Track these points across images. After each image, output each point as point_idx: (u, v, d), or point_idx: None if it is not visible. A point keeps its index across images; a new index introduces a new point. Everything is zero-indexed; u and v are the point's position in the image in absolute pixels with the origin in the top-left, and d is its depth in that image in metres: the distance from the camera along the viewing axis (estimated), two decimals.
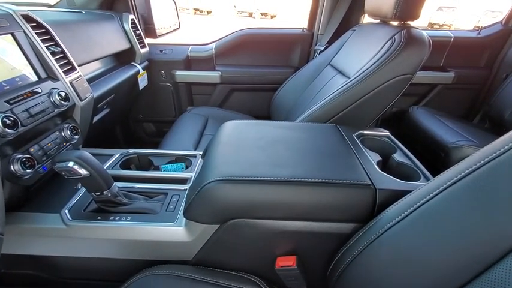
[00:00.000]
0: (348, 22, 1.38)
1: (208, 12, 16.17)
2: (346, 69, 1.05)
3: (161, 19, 1.62)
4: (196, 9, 15.94)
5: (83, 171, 0.58)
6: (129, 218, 0.61)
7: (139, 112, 1.65)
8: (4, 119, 0.56)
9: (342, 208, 0.56)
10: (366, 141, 0.77)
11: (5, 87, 0.61)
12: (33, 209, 0.63)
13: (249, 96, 1.61)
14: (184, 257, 0.62)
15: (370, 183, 0.56)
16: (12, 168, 0.59)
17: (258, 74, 1.53)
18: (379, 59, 0.87)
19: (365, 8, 1.06)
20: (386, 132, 0.81)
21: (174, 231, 0.59)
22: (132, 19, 1.35)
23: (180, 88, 1.59)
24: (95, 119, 1.06)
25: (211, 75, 1.53)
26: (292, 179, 0.55)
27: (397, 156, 0.71)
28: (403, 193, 0.49)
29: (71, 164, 0.57)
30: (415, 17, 0.92)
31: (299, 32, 1.53)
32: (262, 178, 0.55)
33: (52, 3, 1.28)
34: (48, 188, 0.70)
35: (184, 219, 0.60)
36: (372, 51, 0.94)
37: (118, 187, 0.67)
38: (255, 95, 1.60)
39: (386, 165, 0.73)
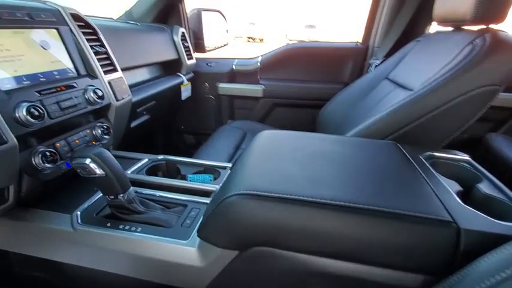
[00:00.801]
0: (410, 33, 1.22)
1: (261, 40, 16.94)
2: (409, 82, 0.89)
3: (211, 35, 1.65)
4: (249, 37, 16.86)
5: (98, 171, 0.53)
6: (139, 229, 0.53)
7: (180, 123, 1.65)
8: (31, 109, 0.54)
9: (406, 251, 0.40)
10: (438, 165, 0.60)
11: (41, 79, 0.60)
12: (48, 207, 0.59)
13: (292, 112, 1.51)
14: (194, 285, 0.51)
15: (450, 219, 0.40)
16: (33, 161, 0.57)
17: (303, 89, 1.43)
18: (455, 66, 0.70)
19: (434, 14, 0.91)
20: (465, 156, 0.62)
21: (185, 252, 0.49)
22: (183, 32, 1.38)
23: (222, 101, 1.56)
24: (134, 123, 1.06)
25: (254, 89, 1.48)
26: (338, 202, 0.41)
27: (484, 187, 0.53)
28: (501, 238, 0.36)
29: (87, 161, 0.52)
30: (500, 18, 0.74)
31: (352, 45, 1.41)
32: (296, 197, 0.43)
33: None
34: (69, 187, 0.67)
35: (198, 239, 0.50)
36: (443, 60, 0.78)
37: (136, 193, 0.61)
38: (298, 111, 1.49)
39: (467, 197, 0.55)
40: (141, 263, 0.51)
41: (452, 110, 0.70)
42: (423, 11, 1.20)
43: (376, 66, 1.23)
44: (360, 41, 1.42)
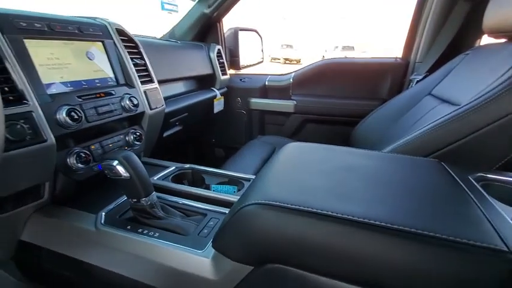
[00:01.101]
0: (456, 47, 1.13)
1: (298, 61, 17.14)
2: (455, 97, 0.80)
3: (247, 53, 1.71)
4: (286, 59, 17.15)
5: (124, 173, 0.54)
6: (156, 234, 0.53)
7: (212, 136, 1.68)
8: (71, 112, 0.58)
9: (451, 282, 0.33)
10: (491, 188, 0.51)
11: (84, 85, 0.65)
12: (77, 206, 0.62)
13: (324, 128, 1.46)
14: None
15: (504, 248, 0.33)
16: (68, 161, 0.60)
17: (336, 105, 1.38)
18: (509, 78, 0.62)
19: (484, 25, 0.83)
20: None
21: (197, 262, 0.47)
22: (218, 49, 1.44)
23: (253, 116, 1.57)
24: (166, 133, 1.09)
25: (286, 104, 1.47)
26: (369, 221, 0.37)
27: None
28: None
29: (115, 163, 0.54)
30: None
31: (391, 61, 1.34)
32: (320, 211, 0.38)
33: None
34: (100, 188, 0.69)
35: (213, 249, 0.48)
36: (496, 73, 0.69)
37: (159, 198, 0.61)
38: (331, 127, 1.44)
39: None
40: (154, 268, 0.50)
41: (507, 126, 0.61)
42: (471, 23, 1.10)
43: (417, 81, 1.14)
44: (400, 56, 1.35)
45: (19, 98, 0.51)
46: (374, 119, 1.16)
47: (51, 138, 0.54)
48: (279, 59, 17.11)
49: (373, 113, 1.17)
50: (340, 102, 1.38)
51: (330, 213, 0.38)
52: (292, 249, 0.39)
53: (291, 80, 1.48)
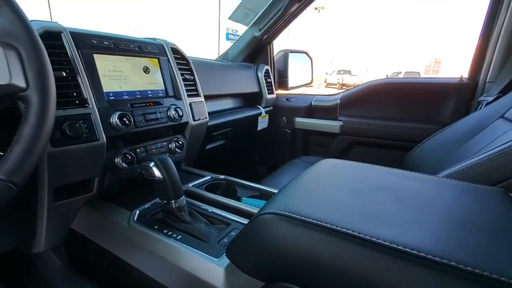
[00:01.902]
0: None
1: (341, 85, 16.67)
2: None
3: (296, 74, 1.73)
4: (343, 85, 16.79)
5: (158, 174, 0.58)
6: (179, 237, 0.54)
7: (256, 154, 1.70)
8: (122, 117, 0.65)
9: None
10: None
11: (137, 95, 0.73)
12: (119, 203, 0.67)
13: (372, 152, 1.35)
14: None
15: None
16: (115, 160, 0.67)
17: (388, 128, 1.28)
18: None
19: None
20: None
21: (211, 270, 0.46)
22: (267, 69, 1.49)
23: (297, 135, 1.55)
24: (209, 146, 1.14)
25: (332, 125, 1.41)
26: (398, 247, 0.31)
27: None
28: None
29: (151, 164, 0.58)
30: None
31: (455, 81, 1.20)
32: (341, 229, 0.35)
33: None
34: (140, 189, 0.74)
35: (228, 260, 0.46)
36: None
37: (188, 204, 0.63)
38: (380, 151, 1.32)
39: None
40: (170, 269, 0.50)
41: None
42: None
43: (487, 103, 1.00)
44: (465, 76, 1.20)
45: (83, 102, 0.60)
46: (432, 143, 1.03)
47: (103, 138, 0.61)
48: (335, 85, 16.85)
49: (432, 137, 1.04)
50: (392, 124, 1.28)
51: (353, 232, 0.34)
52: (306, 269, 0.35)
53: (339, 101, 1.43)
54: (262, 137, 1.59)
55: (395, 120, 1.28)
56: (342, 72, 17.49)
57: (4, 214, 0.60)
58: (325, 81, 18.35)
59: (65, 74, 0.57)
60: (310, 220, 0.36)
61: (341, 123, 1.38)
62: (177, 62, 0.86)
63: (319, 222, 0.36)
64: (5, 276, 0.74)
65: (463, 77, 1.19)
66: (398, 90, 1.32)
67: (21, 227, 0.64)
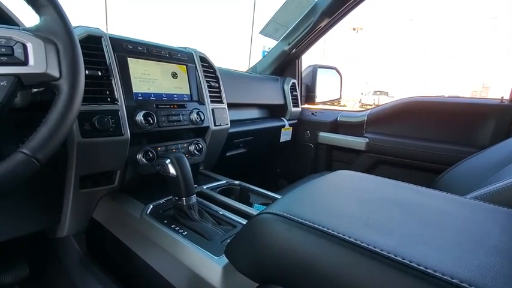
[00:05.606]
0: None
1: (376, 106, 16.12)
2: None
3: (324, 89, 1.72)
4: (377, 106, 16.29)
5: (172, 171, 0.60)
6: (185, 233, 0.55)
7: (277, 166, 1.69)
8: (147, 116, 0.70)
9: None
10: None
11: (164, 98, 0.78)
12: (136, 196, 0.71)
13: (399, 172, 1.27)
14: None
15: None
16: (137, 156, 0.71)
17: (417, 148, 1.20)
18: None
19: None
20: None
21: (210, 268, 0.46)
22: (293, 83, 1.50)
23: (320, 150, 1.52)
24: (229, 153, 1.17)
25: (357, 141, 1.37)
26: (403, 261, 0.29)
27: None
28: None
29: (167, 161, 0.61)
30: None
31: (495, 103, 1.11)
32: (339, 235, 0.33)
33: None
34: (158, 185, 0.78)
35: (226, 259, 0.46)
36: None
37: (200, 204, 0.65)
38: (408, 172, 1.25)
39: None
40: (173, 262, 0.51)
41: None
42: None
43: None
44: (506, 97, 1.10)
45: (113, 99, 0.65)
46: (465, 167, 0.95)
47: (127, 134, 0.66)
48: (370, 105, 16.40)
49: (466, 160, 0.97)
50: (423, 144, 1.20)
51: (349, 238, 0.33)
52: (300, 273, 0.35)
53: (366, 117, 1.39)
54: (284, 150, 1.58)
55: (426, 141, 1.21)
56: (378, 93, 16.96)
57: (35, 197, 0.67)
58: (359, 102, 17.93)
59: (100, 74, 0.63)
60: (305, 222, 0.36)
61: (367, 140, 1.34)
62: (204, 70, 0.91)
63: (314, 225, 0.35)
64: (29, 257, 0.80)
65: (504, 98, 1.10)
66: (431, 109, 1.25)
67: (48, 211, 0.70)
